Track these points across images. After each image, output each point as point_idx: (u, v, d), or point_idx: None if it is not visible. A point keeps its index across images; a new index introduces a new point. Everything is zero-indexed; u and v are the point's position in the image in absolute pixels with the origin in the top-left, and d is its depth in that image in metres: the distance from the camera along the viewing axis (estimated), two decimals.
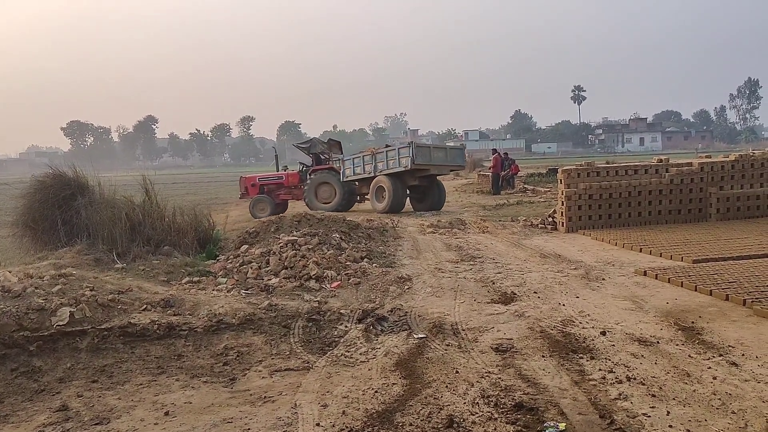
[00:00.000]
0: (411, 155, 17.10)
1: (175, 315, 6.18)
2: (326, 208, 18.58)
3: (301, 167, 20.64)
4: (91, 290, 6.33)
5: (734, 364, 4.66)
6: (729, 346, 5.07)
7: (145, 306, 6.34)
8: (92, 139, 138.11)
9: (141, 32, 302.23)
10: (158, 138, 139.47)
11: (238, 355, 5.39)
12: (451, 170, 20.93)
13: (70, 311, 5.74)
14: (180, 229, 10.55)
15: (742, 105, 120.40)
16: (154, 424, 4.14)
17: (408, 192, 18.44)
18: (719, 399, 4.04)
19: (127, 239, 9.86)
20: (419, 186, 18.41)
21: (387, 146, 18.75)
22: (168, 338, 5.69)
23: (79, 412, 4.34)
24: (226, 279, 8.18)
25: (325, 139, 22.09)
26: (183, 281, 8.12)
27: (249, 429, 3.99)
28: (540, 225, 13.12)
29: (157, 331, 5.74)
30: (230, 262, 9.03)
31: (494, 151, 25.88)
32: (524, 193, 23.00)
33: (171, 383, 4.85)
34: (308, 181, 19.35)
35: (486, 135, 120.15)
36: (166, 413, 4.28)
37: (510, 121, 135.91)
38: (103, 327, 5.69)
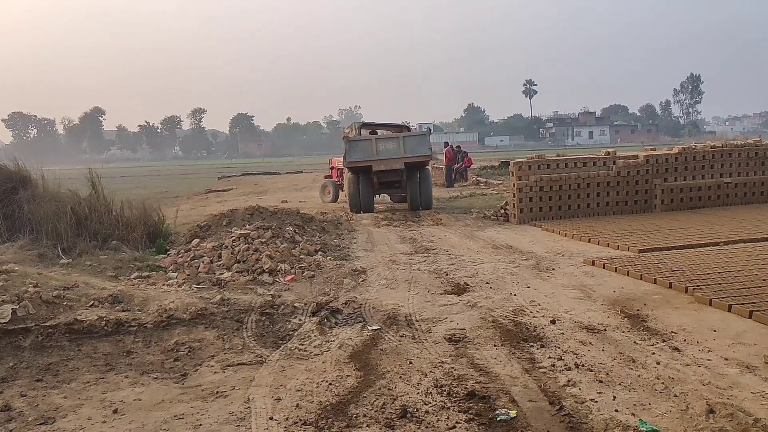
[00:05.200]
0: (344, 151, 14.72)
1: (123, 311, 6.04)
2: None
3: None
4: (34, 287, 6.13)
5: (677, 349, 4.83)
6: (672, 332, 5.25)
7: (92, 302, 6.17)
8: (36, 131, 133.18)
9: (86, 20, 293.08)
10: (106, 130, 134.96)
11: (189, 351, 5.31)
12: (409, 164, 14.89)
13: (12, 308, 5.55)
14: (128, 223, 10.31)
15: (685, 100, 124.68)
16: (102, 422, 4.04)
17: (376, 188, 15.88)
18: (662, 383, 4.18)
19: (72, 234, 9.59)
20: (398, 182, 15.67)
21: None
22: (116, 335, 5.55)
23: (23, 412, 4.20)
24: (176, 274, 8.04)
25: (359, 125, 18.07)
26: (132, 276, 7.94)
27: (201, 425, 3.93)
28: (492, 217, 13.32)
29: (105, 328, 5.60)
30: (181, 257, 8.87)
31: (446, 144, 26.10)
32: (477, 185, 23.28)
33: (120, 380, 4.74)
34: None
35: (440, 128, 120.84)
36: (115, 411, 4.18)
37: (463, 115, 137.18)
38: (47, 324, 5.51)
